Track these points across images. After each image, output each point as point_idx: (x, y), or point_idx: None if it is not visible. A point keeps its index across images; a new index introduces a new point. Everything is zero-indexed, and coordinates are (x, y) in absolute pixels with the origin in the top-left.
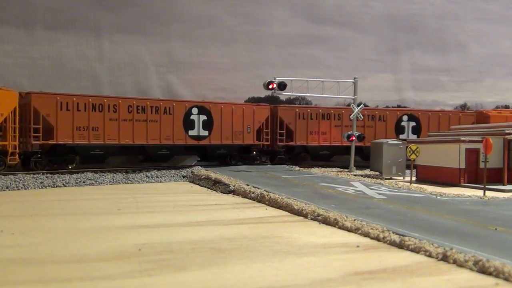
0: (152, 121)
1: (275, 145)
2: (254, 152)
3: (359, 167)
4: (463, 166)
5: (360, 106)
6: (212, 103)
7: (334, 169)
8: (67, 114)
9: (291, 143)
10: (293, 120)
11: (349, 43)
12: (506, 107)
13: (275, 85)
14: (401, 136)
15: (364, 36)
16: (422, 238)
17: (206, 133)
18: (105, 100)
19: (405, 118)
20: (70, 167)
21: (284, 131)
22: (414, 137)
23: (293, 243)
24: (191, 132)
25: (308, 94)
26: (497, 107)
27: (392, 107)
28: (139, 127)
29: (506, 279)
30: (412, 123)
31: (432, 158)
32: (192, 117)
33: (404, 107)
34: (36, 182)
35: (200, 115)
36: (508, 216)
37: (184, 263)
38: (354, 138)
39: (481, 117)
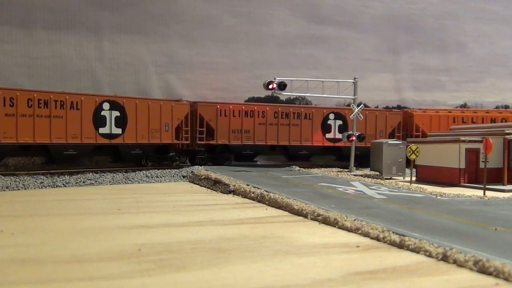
0: (56, 117)
1: (195, 144)
2: (174, 153)
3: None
4: (463, 166)
5: (360, 106)
6: (126, 98)
7: (334, 169)
8: None
9: (212, 142)
10: (214, 117)
11: (349, 43)
12: (506, 107)
13: (275, 85)
14: (327, 135)
15: (364, 36)
16: (422, 238)
17: (119, 131)
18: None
19: (331, 116)
20: None
21: (205, 129)
22: (340, 135)
23: (293, 243)
24: (102, 130)
25: (308, 94)
26: (497, 107)
27: (392, 107)
28: (41, 124)
29: (506, 279)
30: (339, 122)
31: (432, 158)
32: (103, 113)
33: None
34: (36, 182)
35: (112, 111)
36: (508, 216)
37: (184, 263)
38: (354, 138)
39: (407, 116)
